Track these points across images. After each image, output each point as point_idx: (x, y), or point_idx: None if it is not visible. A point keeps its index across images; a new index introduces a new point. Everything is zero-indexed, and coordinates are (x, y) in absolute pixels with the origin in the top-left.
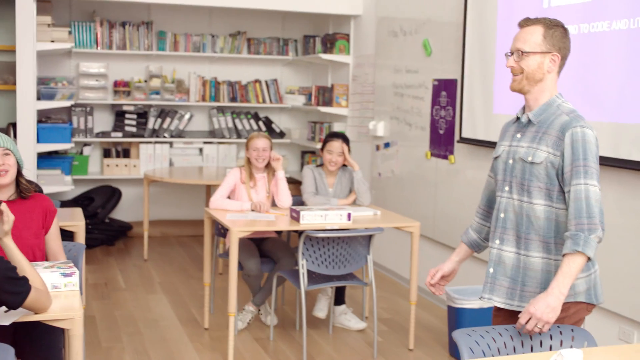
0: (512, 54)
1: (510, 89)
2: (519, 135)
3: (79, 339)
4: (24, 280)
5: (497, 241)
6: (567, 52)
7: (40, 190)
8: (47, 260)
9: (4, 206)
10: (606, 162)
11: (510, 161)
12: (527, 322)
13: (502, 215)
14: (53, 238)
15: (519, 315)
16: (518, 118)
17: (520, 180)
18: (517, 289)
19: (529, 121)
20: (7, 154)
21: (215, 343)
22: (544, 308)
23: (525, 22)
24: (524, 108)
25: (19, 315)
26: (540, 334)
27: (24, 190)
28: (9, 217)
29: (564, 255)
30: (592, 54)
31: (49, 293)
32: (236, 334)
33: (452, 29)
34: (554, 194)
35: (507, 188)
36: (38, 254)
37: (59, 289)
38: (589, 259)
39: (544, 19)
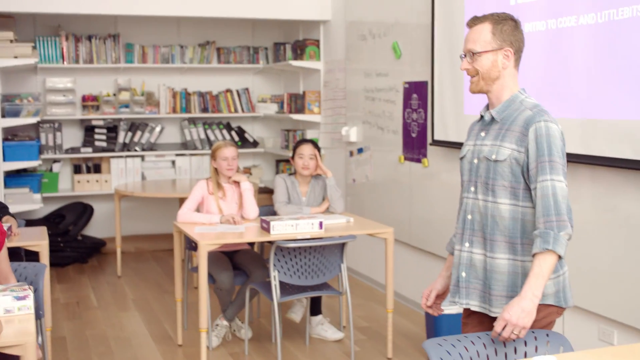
0: (465, 55)
1: (470, 91)
2: (483, 134)
3: None
4: None
5: (467, 244)
6: (521, 45)
7: (6, 209)
8: None
9: None
10: (578, 158)
11: (475, 160)
12: (503, 329)
13: (469, 217)
14: (2, 259)
15: (494, 323)
16: (482, 116)
17: (484, 180)
18: (487, 292)
19: (493, 119)
20: None
21: None
22: (519, 313)
23: (473, 22)
24: (487, 106)
25: None
26: (515, 340)
27: None
28: None
29: (534, 255)
30: (560, 50)
31: None
32: (211, 350)
33: (420, 31)
34: (519, 192)
35: (472, 188)
36: None
37: (12, 313)
38: (559, 257)
39: (491, 15)
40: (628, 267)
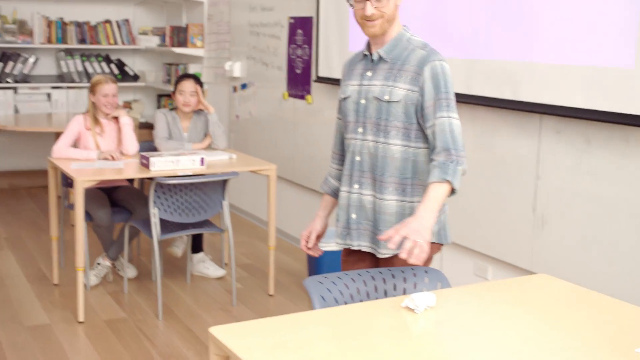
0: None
1: (370, 35)
2: (369, 74)
3: None
4: None
5: (356, 185)
6: None
7: None
8: None
9: None
10: (460, 98)
11: (363, 101)
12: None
13: (357, 158)
14: None
15: (389, 236)
16: (365, 55)
17: (375, 121)
18: (376, 233)
19: (380, 58)
20: None
21: (66, 300)
22: (418, 227)
23: None
24: (368, 44)
25: None
26: (412, 268)
27: None
28: None
29: (430, 184)
30: None
31: None
32: (89, 289)
33: None
34: (411, 132)
35: (360, 129)
36: None
37: None
38: (453, 190)
39: None
40: (502, 204)
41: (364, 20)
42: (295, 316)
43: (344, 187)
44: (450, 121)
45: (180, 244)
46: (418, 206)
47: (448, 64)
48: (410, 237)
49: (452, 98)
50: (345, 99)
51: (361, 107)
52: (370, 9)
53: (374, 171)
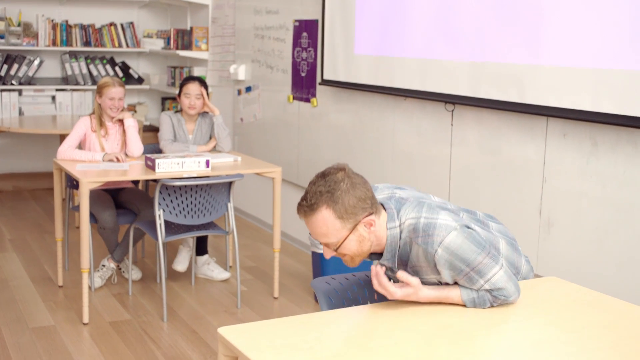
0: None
1: (349, 266)
2: (389, 273)
3: None
4: None
5: None
6: (368, 192)
7: None
8: None
9: None
10: (465, 101)
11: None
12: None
13: None
14: None
15: (404, 279)
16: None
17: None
18: None
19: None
20: None
21: (70, 301)
22: (417, 298)
23: (306, 214)
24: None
25: None
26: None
27: None
28: None
29: (460, 287)
30: None
31: None
32: (93, 291)
33: None
34: None
35: None
36: None
37: None
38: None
39: (321, 191)
40: (508, 207)
41: None
42: (304, 317)
43: None
44: (491, 283)
45: (184, 260)
46: (441, 286)
47: (451, 232)
48: (408, 293)
49: (480, 259)
50: None
51: None
52: (327, 252)
53: None
